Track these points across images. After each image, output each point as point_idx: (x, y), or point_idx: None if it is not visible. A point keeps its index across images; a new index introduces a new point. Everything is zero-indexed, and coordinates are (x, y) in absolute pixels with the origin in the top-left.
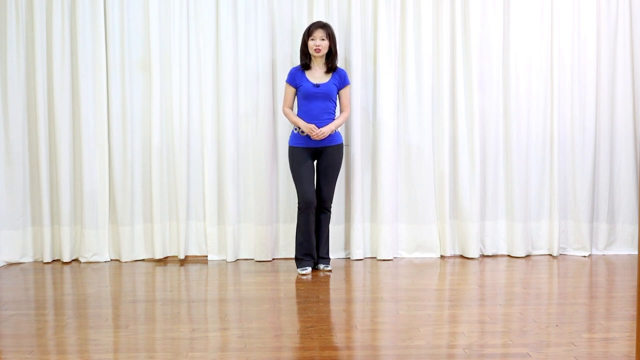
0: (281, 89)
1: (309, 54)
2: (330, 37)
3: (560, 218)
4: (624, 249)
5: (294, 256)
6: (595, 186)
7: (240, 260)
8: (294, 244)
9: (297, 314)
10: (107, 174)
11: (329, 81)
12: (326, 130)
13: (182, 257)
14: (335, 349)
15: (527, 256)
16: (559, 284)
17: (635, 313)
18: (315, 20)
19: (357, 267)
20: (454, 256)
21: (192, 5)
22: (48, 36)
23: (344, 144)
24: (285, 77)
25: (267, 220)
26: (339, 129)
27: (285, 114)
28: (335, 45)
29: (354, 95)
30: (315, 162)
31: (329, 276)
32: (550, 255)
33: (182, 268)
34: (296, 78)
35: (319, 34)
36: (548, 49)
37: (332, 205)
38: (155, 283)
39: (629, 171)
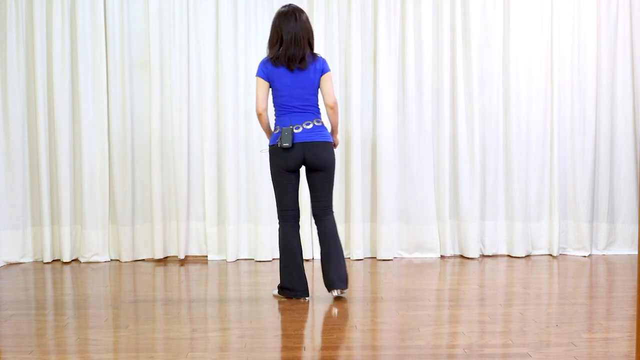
0: None
1: None
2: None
3: (560, 218)
4: (624, 249)
5: (281, 262)
6: (595, 186)
7: (240, 260)
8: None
9: (296, 314)
10: (107, 174)
11: None
12: None
13: (182, 257)
14: (335, 349)
15: (527, 256)
16: (559, 284)
17: (635, 313)
18: (314, 19)
19: (357, 267)
20: (454, 256)
21: (192, 5)
22: (48, 36)
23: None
24: None
25: (267, 220)
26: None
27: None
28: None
29: (354, 95)
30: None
31: None
32: (550, 255)
33: (182, 268)
34: None
35: None
36: (548, 49)
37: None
38: (155, 283)
39: (629, 171)
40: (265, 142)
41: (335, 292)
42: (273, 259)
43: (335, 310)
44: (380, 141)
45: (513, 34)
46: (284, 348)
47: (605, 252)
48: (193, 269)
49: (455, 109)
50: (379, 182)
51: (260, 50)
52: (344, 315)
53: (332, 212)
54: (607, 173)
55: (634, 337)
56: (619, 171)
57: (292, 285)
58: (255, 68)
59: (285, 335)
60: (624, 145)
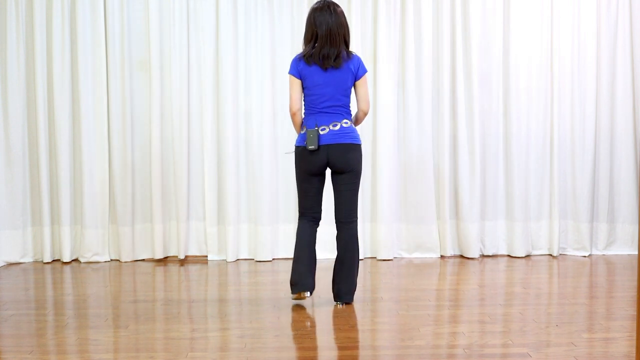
0: (281, 88)
1: None
2: None
3: (560, 218)
4: (624, 249)
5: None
6: (595, 186)
7: (240, 260)
8: (293, 244)
9: (297, 313)
10: (107, 173)
11: None
12: None
13: (182, 257)
14: (335, 349)
15: (527, 256)
16: (559, 284)
17: (635, 313)
18: None
19: None
20: (454, 256)
21: (192, 5)
22: (48, 36)
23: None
24: (285, 75)
25: (267, 220)
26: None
27: None
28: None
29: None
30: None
31: (329, 276)
32: (550, 255)
33: (182, 268)
34: None
35: None
36: (548, 49)
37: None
38: (155, 283)
39: (629, 171)
40: (265, 141)
41: (340, 305)
42: (273, 259)
43: (339, 305)
44: (380, 141)
45: (513, 34)
46: (284, 348)
47: (605, 252)
48: (193, 269)
49: (455, 108)
50: (379, 182)
51: (260, 50)
52: (344, 315)
53: (355, 220)
54: (607, 173)
55: (634, 337)
56: (619, 171)
57: (294, 278)
58: (254, 68)
59: (285, 335)
60: (624, 145)
